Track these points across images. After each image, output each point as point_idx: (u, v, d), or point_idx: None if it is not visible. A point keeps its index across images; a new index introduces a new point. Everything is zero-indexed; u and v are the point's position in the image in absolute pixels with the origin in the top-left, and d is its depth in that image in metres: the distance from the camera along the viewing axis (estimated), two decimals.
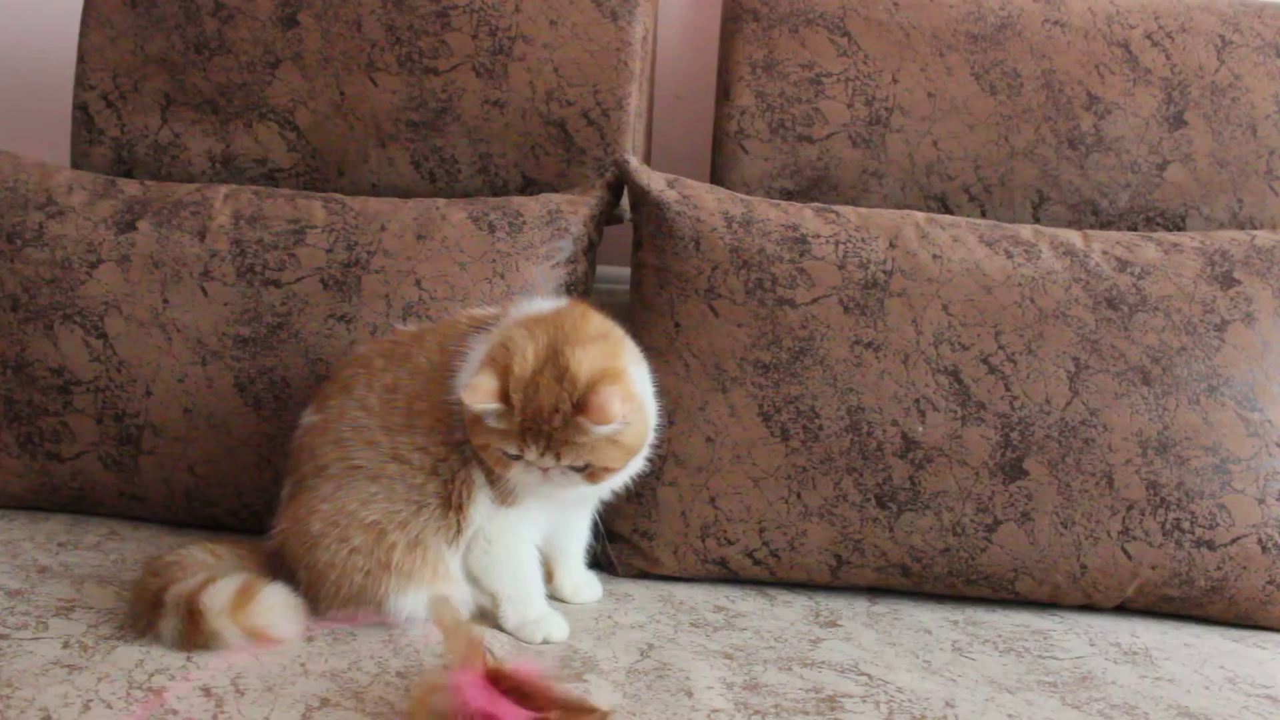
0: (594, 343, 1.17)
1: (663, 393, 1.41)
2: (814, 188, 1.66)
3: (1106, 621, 1.38)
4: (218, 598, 1.13)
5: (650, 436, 1.23)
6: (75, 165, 1.77)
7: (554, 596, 1.31)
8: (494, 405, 1.12)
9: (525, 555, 1.25)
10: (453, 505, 1.20)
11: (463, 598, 1.23)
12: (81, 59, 1.77)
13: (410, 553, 1.19)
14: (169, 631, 1.13)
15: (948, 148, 1.64)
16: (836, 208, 1.50)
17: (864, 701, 1.10)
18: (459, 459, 1.20)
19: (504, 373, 1.13)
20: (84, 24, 1.77)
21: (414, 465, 1.19)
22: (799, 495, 1.38)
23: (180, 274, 1.51)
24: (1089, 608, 1.41)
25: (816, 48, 1.66)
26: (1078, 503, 1.36)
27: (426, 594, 1.19)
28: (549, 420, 1.12)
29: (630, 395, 1.15)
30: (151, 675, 1.06)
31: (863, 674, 1.16)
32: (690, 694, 1.09)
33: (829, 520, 1.38)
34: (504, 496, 1.21)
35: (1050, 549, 1.37)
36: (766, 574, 1.41)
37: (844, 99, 1.65)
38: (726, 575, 1.42)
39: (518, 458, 1.14)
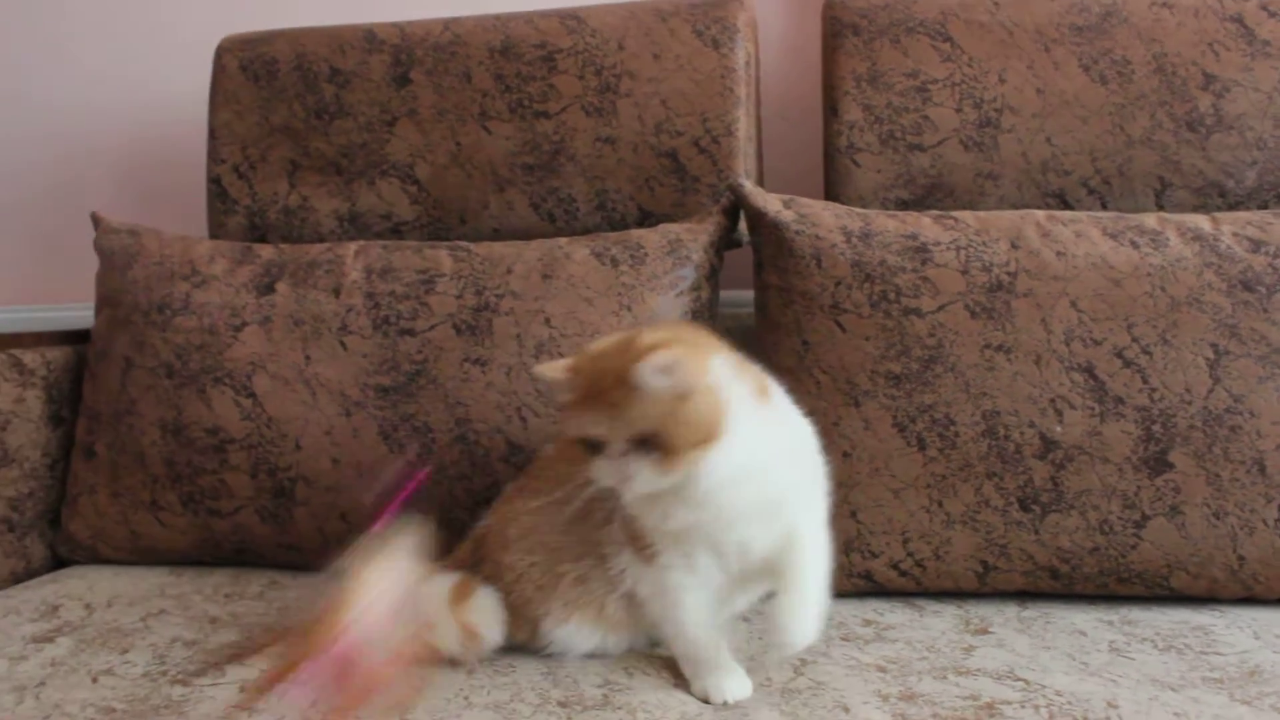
0: (672, 330, 1.15)
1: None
2: (929, 195, 1.65)
3: (1271, 613, 1.34)
4: (438, 587, 1.18)
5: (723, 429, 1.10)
6: (213, 235, 1.86)
7: None
8: (560, 374, 1.12)
9: (685, 620, 1.18)
10: (608, 558, 1.20)
11: (620, 645, 1.24)
12: (212, 135, 1.86)
13: (576, 587, 1.21)
14: None
15: (1062, 143, 1.62)
16: (954, 213, 1.49)
17: (1023, 707, 1.09)
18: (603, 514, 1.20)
19: (580, 352, 1.14)
20: (212, 102, 1.86)
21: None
22: (940, 504, 1.38)
23: (319, 330, 1.58)
24: (1250, 600, 1.37)
25: (919, 55, 1.66)
26: (1229, 492, 1.33)
27: (586, 630, 1.21)
28: (611, 388, 1.07)
29: (701, 369, 1.07)
30: (326, 715, 1.10)
31: (1019, 679, 1.15)
32: (847, 709, 1.09)
33: (972, 527, 1.37)
34: (642, 550, 1.17)
35: (1204, 542, 1.34)
36: (913, 585, 1.40)
37: (952, 104, 1.64)
38: (873, 588, 1.42)
39: (591, 447, 1.10)
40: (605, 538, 1.20)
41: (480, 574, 1.26)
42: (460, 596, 1.21)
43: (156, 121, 2.18)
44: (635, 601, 1.20)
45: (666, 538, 1.15)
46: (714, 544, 1.15)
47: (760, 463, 1.12)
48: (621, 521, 1.17)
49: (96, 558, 1.65)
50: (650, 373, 1.04)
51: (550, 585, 1.21)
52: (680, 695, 1.13)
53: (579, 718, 1.08)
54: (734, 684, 1.15)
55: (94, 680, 1.21)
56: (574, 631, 1.22)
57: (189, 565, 1.62)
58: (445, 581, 1.22)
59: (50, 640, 1.33)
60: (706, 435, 1.07)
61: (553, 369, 1.12)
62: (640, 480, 1.08)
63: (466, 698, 1.13)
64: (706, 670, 1.16)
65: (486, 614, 1.21)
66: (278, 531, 1.56)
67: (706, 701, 1.13)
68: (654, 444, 1.06)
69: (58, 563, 1.69)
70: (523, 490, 1.29)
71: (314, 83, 1.81)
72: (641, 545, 1.16)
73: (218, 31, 1.91)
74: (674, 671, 1.19)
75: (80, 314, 1.91)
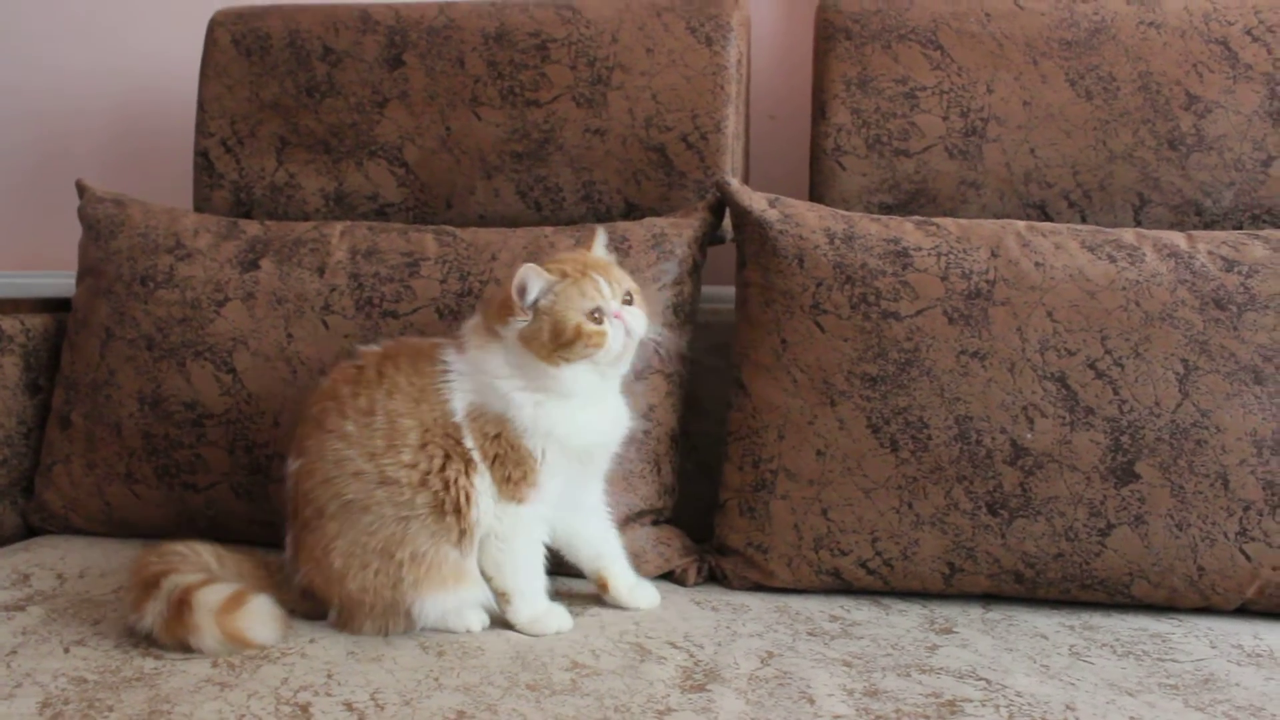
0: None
1: (771, 408, 1.45)
2: (912, 201, 1.67)
3: (1227, 624, 1.37)
4: (210, 597, 1.21)
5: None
6: (198, 209, 1.86)
7: (615, 604, 1.37)
8: (552, 277, 1.27)
9: (537, 552, 1.32)
10: (448, 510, 1.25)
11: (481, 598, 1.29)
12: (201, 108, 1.86)
13: (415, 564, 1.24)
14: (153, 614, 1.21)
15: (1045, 155, 1.65)
16: (937, 220, 1.51)
17: (984, 706, 1.11)
18: (458, 468, 1.25)
19: (554, 260, 1.31)
20: (203, 75, 1.86)
21: (401, 483, 1.25)
22: (910, 505, 1.40)
23: (302, 309, 1.58)
24: (1208, 610, 1.40)
25: (910, 62, 1.68)
26: (1192, 505, 1.36)
27: (445, 597, 1.26)
28: (594, 264, 1.29)
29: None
30: (297, 692, 1.11)
31: (981, 679, 1.18)
32: (812, 700, 1.11)
33: (941, 529, 1.39)
34: (516, 492, 1.27)
35: (1166, 552, 1.36)
36: (880, 583, 1.43)
37: (939, 112, 1.66)
38: (840, 586, 1.44)
39: (599, 318, 1.25)
40: (431, 498, 1.25)
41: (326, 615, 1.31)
42: (230, 607, 1.22)
43: (146, 90, 2.17)
44: (486, 548, 1.29)
45: (559, 455, 1.28)
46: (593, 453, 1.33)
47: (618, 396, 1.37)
48: (497, 464, 1.27)
49: (69, 528, 1.65)
50: (604, 242, 1.36)
51: (396, 579, 1.25)
52: (648, 679, 1.15)
53: (547, 701, 1.09)
54: (561, 617, 1.30)
55: (66, 650, 1.21)
56: (436, 602, 1.26)
57: (162, 539, 1.60)
58: (221, 592, 1.23)
59: (21, 609, 1.33)
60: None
61: (542, 271, 1.27)
62: (642, 324, 1.29)
63: (437, 679, 1.15)
64: (543, 607, 1.30)
65: (255, 617, 1.23)
66: (253, 508, 1.57)
67: (542, 635, 1.28)
68: (635, 300, 1.29)
69: (29, 531, 1.69)
70: (306, 528, 1.30)
71: (306, 60, 1.81)
72: (515, 489, 1.27)
73: (212, 3, 1.90)
74: (640, 653, 1.21)
75: (62, 282, 1.90)
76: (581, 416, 1.29)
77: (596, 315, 1.25)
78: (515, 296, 1.26)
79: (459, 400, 1.27)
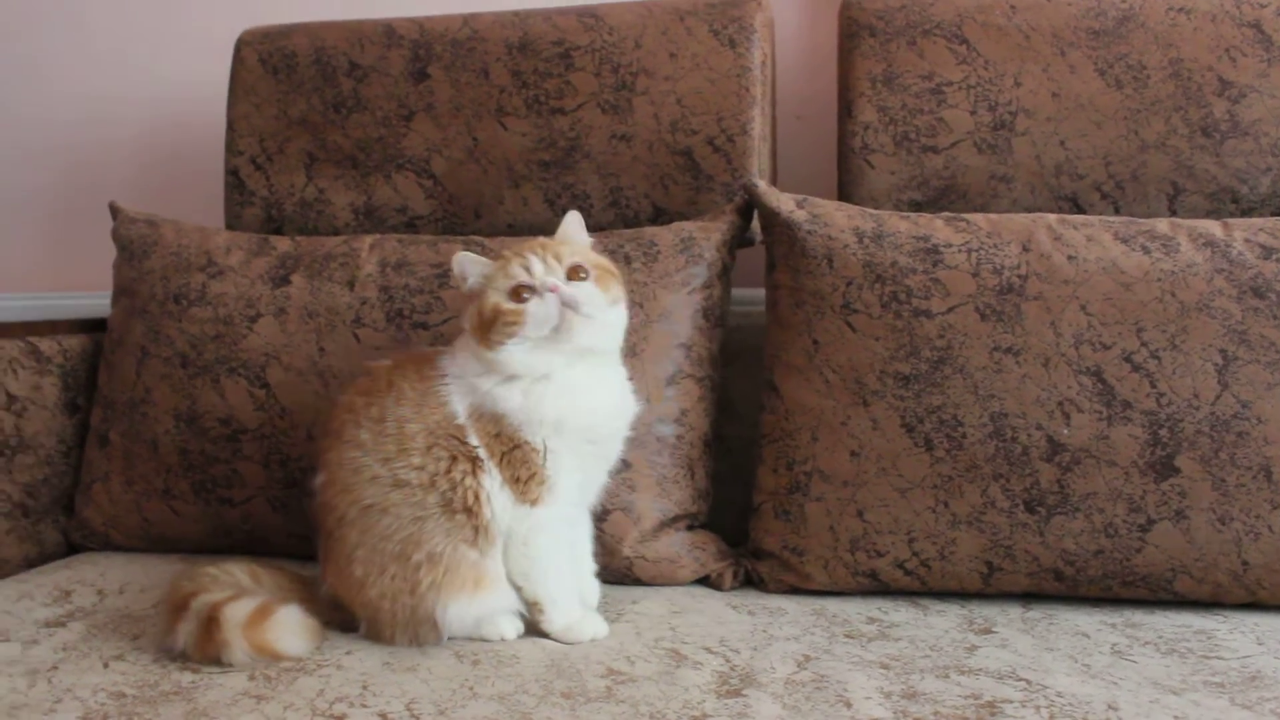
0: None
1: (804, 409, 1.44)
2: (942, 197, 1.66)
3: (1274, 619, 1.34)
4: (237, 612, 1.21)
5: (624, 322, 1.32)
6: (229, 226, 1.88)
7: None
8: (489, 262, 1.27)
9: (562, 556, 1.31)
10: (458, 509, 1.24)
11: (512, 605, 1.28)
12: (231, 127, 1.88)
13: (432, 566, 1.24)
14: (185, 634, 1.21)
15: (1076, 146, 1.63)
16: (966, 216, 1.50)
17: (1024, 707, 1.09)
18: (465, 468, 1.25)
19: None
20: (231, 94, 1.88)
21: (413, 485, 1.24)
22: (946, 504, 1.38)
23: (334, 323, 1.59)
24: (1254, 606, 1.38)
25: (936, 58, 1.67)
26: (1235, 498, 1.33)
27: (467, 603, 1.25)
28: (537, 243, 1.27)
29: (610, 263, 1.32)
30: (332, 703, 1.11)
31: (1021, 679, 1.16)
32: (849, 704, 1.10)
33: (978, 528, 1.38)
34: (528, 493, 1.25)
35: (1209, 547, 1.34)
36: (918, 584, 1.41)
37: (967, 106, 1.65)
38: (877, 587, 1.43)
39: (526, 292, 1.23)
40: (440, 498, 1.24)
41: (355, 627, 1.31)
42: (257, 619, 1.22)
43: (175, 112, 2.20)
44: (510, 554, 1.27)
45: (561, 444, 1.26)
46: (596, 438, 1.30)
47: (619, 378, 1.34)
48: (505, 464, 1.25)
49: (109, 544, 1.67)
50: (577, 220, 1.33)
51: (414, 584, 1.24)
52: (684, 685, 1.14)
53: (583, 709, 1.09)
54: (596, 623, 1.30)
55: (105, 665, 1.22)
56: (459, 608, 1.25)
57: (200, 554, 1.63)
58: (246, 606, 1.23)
59: (62, 625, 1.35)
60: (614, 297, 1.28)
61: (476, 258, 1.28)
62: (589, 298, 1.24)
63: (471, 688, 1.15)
64: (577, 613, 1.30)
65: (284, 629, 1.23)
66: (288, 521, 1.58)
67: (577, 643, 1.27)
68: (590, 274, 1.26)
69: (70, 549, 1.72)
70: (330, 538, 1.30)
71: (332, 76, 1.82)
72: (529, 489, 1.26)
73: (238, 24, 1.92)
74: (676, 659, 1.21)
75: (97, 303, 1.93)
76: (578, 399, 1.26)
77: (520, 293, 1.23)
78: (459, 285, 1.29)
79: (459, 403, 1.26)
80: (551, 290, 1.22)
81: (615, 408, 1.32)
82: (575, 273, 1.25)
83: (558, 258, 1.25)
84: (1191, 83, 1.61)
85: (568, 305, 1.22)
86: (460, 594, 1.24)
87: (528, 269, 1.24)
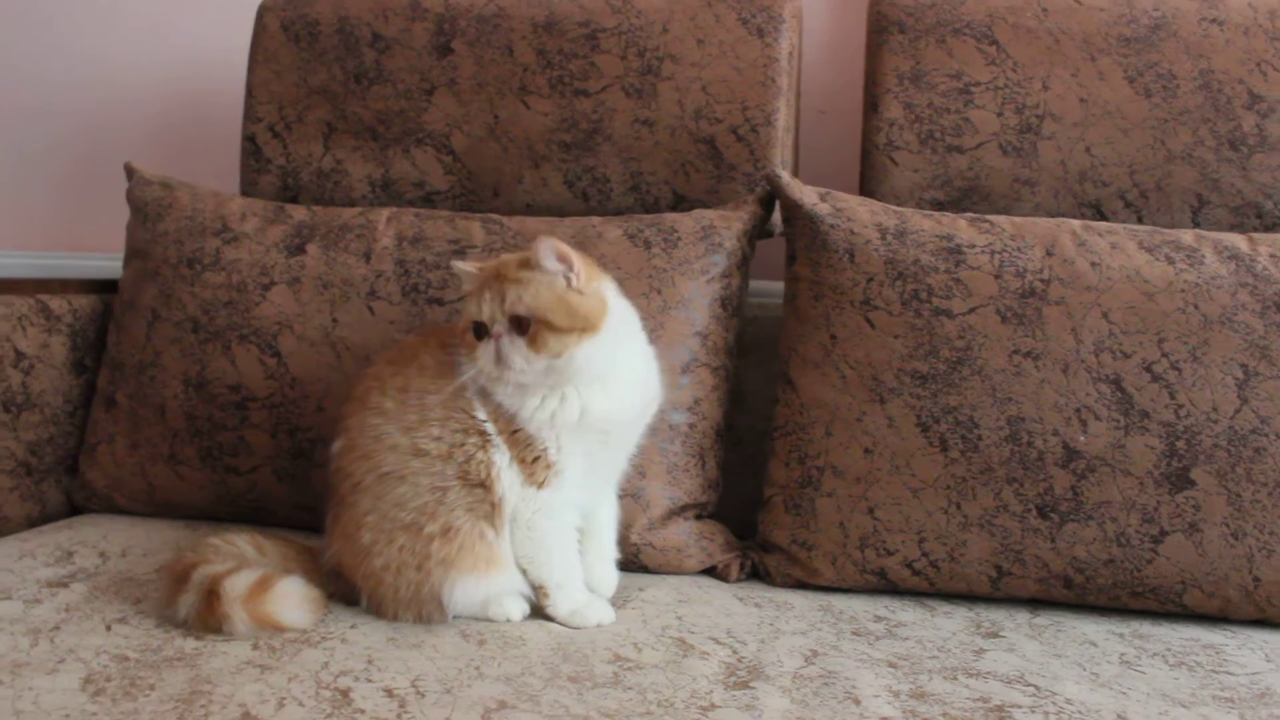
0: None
1: (819, 404, 1.43)
2: (965, 198, 1.65)
3: None
4: (238, 584, 1.20)
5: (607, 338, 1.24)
6: (245, 193, 1.86)
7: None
8: (470, 268, 1.26)
9: (569, 540, 1.29)
10: (473, 482, 1.23)
11: (519, 586, 1.27)
12: (250, 93, 1.86)
13: (447, 540, 1.23)
14: (185, 606, 1.20)
15: (1101, 153, 1.62)
16: (990, 217, 1.49)
17: (1033, 713, 1.09)
18: (476, 442, 1.24)
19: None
20: (251, 60, 1.86)
21: (432, 455, 1.24)
22: (958, 506, 1.38)
23: (348, 294, 1.58)
24: (1263, 622, 1.37)
25: (964, 57, 1.65)
26: (1249, 514, 1.33)
27: (476, 582, 1.24)
28: (507, 273, 1.22)
29: (591, 271, 1.25)
30: (337, 676, 1.10)
31: (1030, 685, 1.15)
32: (858, 701, 1.09)
33: (989, 531, 1.37)
34: (534, 475, 1.24)
35: (1221, 561, 1.33)
36: (925, 585, 1.41)
37: (994, 108, 1.64)
38: (885, 586, 1.42)
39: (478, 330, 1.21)
40: (458, 470, 1.24)
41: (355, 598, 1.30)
42: (258, 591, 1.21)
43: (195, 76, 2.18)
44: (516, 537, 1.26)
45: (569, 436, 1.24)
46: (604, 433, 1.26)
47: (633, 373, 1.29)
48: (511, 442, 1.24)
49: (112, 507, 1.66)
50: (545, 251, 1.20)
51: (423, 556, 1.23)
52: (691, 674, 1.13)
53: (590, 694, 1.08)
54: (603, 609, 1.29)
55: (108, 628, 1.21)
56: (467, 588, 1.24)
57: (203, 520, 1.62)
58: (247, 578, 1.22)
59: (64, 585, 1.34)
60: (585, 325, 1.20)
61: (467, 264, 1.27)
62: (519, 359, 1.19)
63: (478, 668, 1.14)
64: (583, 598, 1.28)
65: (286, 600, 1.22)
66: (294, 492, 1.57)
67: (583, 628, 1.26)
68: (531, 328, 1.19)
69: (73, 509, 1.70)
70: (342, 504, 1.29)
71: (355, 47, 1.81)
72: (534, 471, 1.24)
73: None
74: (683, 648, 1.20)
75: (109, 264, 1.91)
76: (590, 403, 1.24)
77: (476, 328, 1.22)
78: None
79: (467, 375, 1.24)
80: (496, 338, 1.20)
81: (631, 403, 1.29)
82: (515, 323, 1.20)
83: (502, 299, 1.20)
84: (1221, 95, 1.60)
85: (499, 359, 1.20)
86: (471, 573, 1.23)
87: (479, 308, 1.22)
